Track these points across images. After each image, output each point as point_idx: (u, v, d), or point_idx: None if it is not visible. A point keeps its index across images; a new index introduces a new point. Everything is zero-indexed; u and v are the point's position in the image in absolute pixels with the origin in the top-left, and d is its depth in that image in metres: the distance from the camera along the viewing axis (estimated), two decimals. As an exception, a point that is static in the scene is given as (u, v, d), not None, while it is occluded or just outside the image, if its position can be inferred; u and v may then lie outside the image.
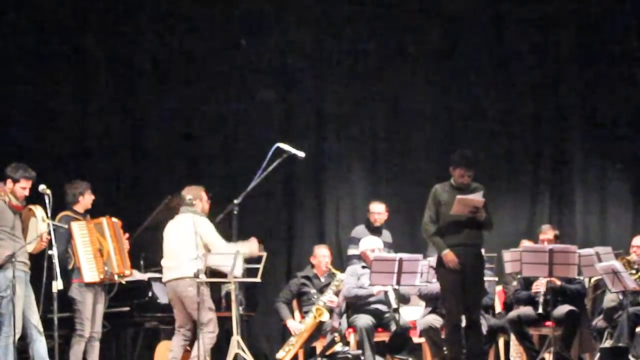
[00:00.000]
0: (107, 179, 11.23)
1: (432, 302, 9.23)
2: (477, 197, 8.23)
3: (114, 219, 8.77)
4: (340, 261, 10.81)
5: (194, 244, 8.44)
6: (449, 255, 8.23)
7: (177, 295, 8.54)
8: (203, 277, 8.46)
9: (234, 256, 8.54)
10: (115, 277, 8.67)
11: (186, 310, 8.56)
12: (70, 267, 8.59)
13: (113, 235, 8.65)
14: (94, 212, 8.92)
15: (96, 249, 8.55)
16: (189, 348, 8.59)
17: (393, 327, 9.14)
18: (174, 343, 8.63)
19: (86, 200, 8.82)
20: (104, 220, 8.69)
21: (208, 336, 8.46)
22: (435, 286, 8.94)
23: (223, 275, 9.13)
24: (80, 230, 8.55)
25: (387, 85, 11.84)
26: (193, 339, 8.59)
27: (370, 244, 9.53)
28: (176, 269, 8.50)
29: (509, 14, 11.80)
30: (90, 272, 8.53)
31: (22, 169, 8.16)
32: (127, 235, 8.88)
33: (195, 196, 8.69)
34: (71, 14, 11.45)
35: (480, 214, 8.24)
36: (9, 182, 8.13)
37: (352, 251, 10.12)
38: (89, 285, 8.57)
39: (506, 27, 11.81)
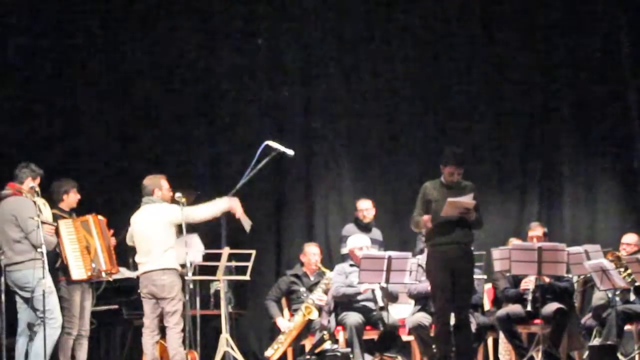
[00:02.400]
0: (97, 177, 11.23)
1: (421, 300, 9.22)
2: (468, 200, 8.21)
3: (100, 217, 8.75)
4: (330, 259, 10.81)
5: (164, 235, 8.32)
6: (425, 217, 8.21)
7: (150, 287, 8.36)
8: (190, 275, 8.43)
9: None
10: (103, 274, 8.66)
11: (156, 304, 8.40)
12: (57, 265, 8.57)
13: (99, 233, 8.63)
14: (85, 210, 8.87)
15: (83, 246, 8.53)
16: (162, 342, 8.52)
17: (381, 326, 9.14)
18: (146, 343, 8.48)
19: (71, 199, 8.76)
20: (90, 217, 8.66)
21: (174, 330, 8.32)
22: (424, 285, 8.95)
23: (212, 273, 9.12)
24: (66, 228, 8.52)
25: (378, 84, 11.84)
26: (162, 332, 8.48)
27: (358, 242, 9.53)
28: (150, 262, 8.36)
29: (501, 17, 11.82)
30: (77, 269, 8.52)
31: (33, 165, 8.34)
32: (112, 231, 8.86)
33: (155, 185, 8.53)
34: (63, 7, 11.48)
35: (470, 214, 8.24)
36: (29, 180, 8.25)
37: (344, 250, 10.09)
38: (77, 282, 8.56)
39: (498, 28, 11.83)
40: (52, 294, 8.14)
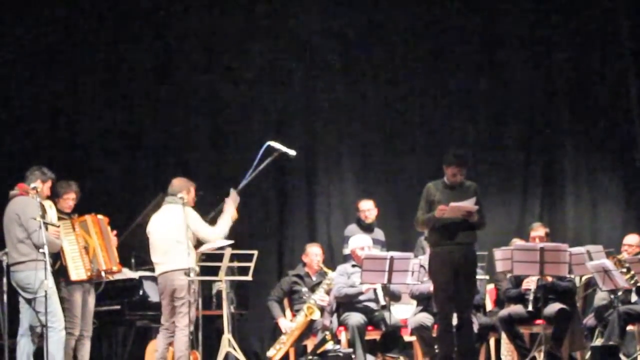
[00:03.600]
0: (100, 177, 11.24)
1: (423, 301, 9.22)
2: (470, 204, 8.20)
3: (100, 216, 8.74)
4: (332, 260, 10.80)
5: (185, 235, 8.35)
6: (439, 208, 8.19)
7: (169, 287, 8.43)
8: (194, 275, 8.43)
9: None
10: (102, 273, 8.64)
11: (173, 304, 8.46)
12: (56, 266, 8.54)
13: (98, 232, 8.62)
14: (89, 210, 8.85)
15: (82, 246, 8.53)
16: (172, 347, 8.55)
17: (383, 326, 9.14)
18: (160, 342, 8.56)
19: (60, 204, 8.64)
20: (88, 217, 8.66)
21: (183, 333, 8.34)
22: (426, 286, 8.95)
23: (214, 274, 9.11)
24: (65, 229, 8.51)
25: (380, 85, 11.84)
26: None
27: (360, 243, 9.52)
28: (169, 262, 8.42)
29: (501, 17, 11.82)
30: (76, 270, 8.51)
31: (44, 168, 8.33)
32: (115, 232, 8.85)
33: (184, 187, 8.59)
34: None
35: (473, 217, 8.24)
36: (38, 182, 8.23)
37: (346, 251, 10.09)
38: (77, 283, 8.55)
39: (498, 30, 11.84)
40: (54, 296, 8.12)
